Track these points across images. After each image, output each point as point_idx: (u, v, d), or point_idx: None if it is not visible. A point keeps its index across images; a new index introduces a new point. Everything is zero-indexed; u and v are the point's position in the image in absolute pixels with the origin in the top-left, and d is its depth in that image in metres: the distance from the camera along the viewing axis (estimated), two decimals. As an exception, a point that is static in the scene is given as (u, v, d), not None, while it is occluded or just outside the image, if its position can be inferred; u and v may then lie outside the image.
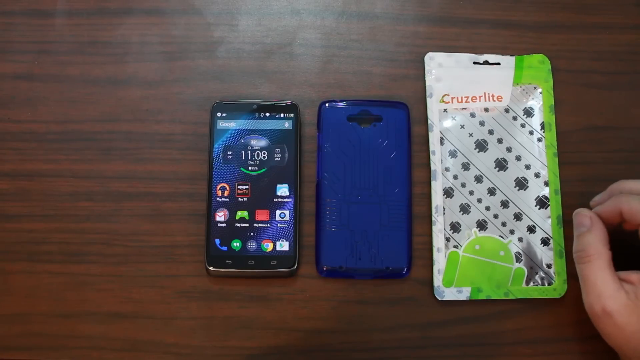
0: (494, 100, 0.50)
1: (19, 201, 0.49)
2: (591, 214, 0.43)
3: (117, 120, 0.50)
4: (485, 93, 0.50)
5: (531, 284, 0.48)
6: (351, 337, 0.47)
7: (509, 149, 0.50)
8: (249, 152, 0.49)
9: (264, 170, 0.49)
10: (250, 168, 0.49)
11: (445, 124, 0.50)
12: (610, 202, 0.43)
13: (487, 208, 0.49)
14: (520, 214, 0.49)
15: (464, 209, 0.49)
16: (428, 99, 0.50)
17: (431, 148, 0.50)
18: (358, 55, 0.52)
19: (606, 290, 0.40)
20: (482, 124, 0.50)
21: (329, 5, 0.53)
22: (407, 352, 0.47)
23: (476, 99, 0.50)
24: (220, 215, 0.48)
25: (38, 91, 0.51)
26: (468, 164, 0.49)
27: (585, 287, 0.42)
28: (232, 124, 0.49)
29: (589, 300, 0.41)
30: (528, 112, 0.50)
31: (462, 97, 0.50)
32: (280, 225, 0.48)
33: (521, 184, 0.49)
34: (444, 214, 0.49)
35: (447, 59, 0.51)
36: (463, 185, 0.49)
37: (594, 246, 0.42)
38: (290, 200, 0.48)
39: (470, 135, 0.50)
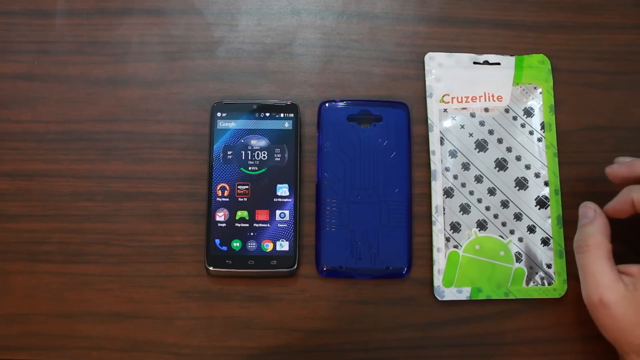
0: (494, 100, 0.50)
1: (19, 201, 0.49)
2: (596, 207, 0.44)
3: (117, 120, 0.50)
4: (485, 93, 0.50)
5: (531, 284, 0.48)
6: (351, 337, 0.47)
7: (509, 149, 0.50)
8: (249, 152, 0.49)
9: (264, 170, 0.49)
10: (250, 168, 0.49)
11: (445, 124, 0.50)
12: (621, 193, 0.43)
13: (487, 208, 0.49)
14: (520, 214, 0.49)
15: (464, 209, 0.49)
16: (428, 99, 0.50)
17: (431, 148, 0.50)
18: (358, 55, 0.52)
19: (604, 280, 0.40)
20: (482, 124, 0.50)
21: (329, 5, 0.53)
22: (407, 352, 0.47)
23: (476, 99, 0.50)
24: (220, 215, 0.48)
25: (38, 91, 0.51)
26: (468, 164, 0.49)
27: (583, 277, 0.42)
28: (232, 124, 0.49)
29: (587, 290, 0.41)
30: (528, 112, 0.50)
31: (462, 97, 0.50)
32: (280, 225, 0.48)
33: (521, 184, 0.49)
34: (444, 214, 0.49)
35: (447, 59, 0.51)
36: (463, 185, 0.49)
37: (594, 237, 0.42)
38: (290, 200, 0.48)
39: (470, 135, 0.50)
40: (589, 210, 0.44)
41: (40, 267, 0.48)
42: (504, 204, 0.49)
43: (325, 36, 0.52)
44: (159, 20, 0.52)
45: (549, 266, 0.48)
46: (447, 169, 0.49)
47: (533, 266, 0.48)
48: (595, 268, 0.41)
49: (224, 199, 0.48)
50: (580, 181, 0.50)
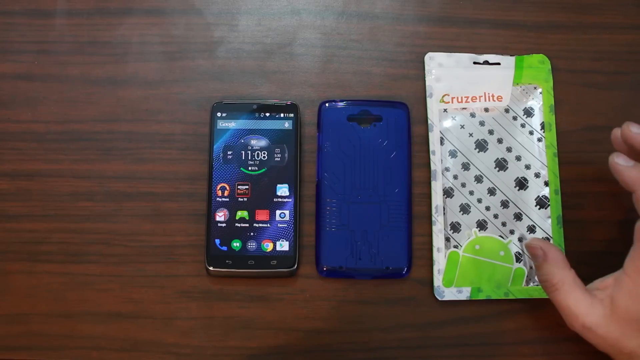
0: (494, 100, 0.50)
1: (19, 201, 0.49)
2: (541, 244, 0.43)
3: (117, 120, 0.50)
4: (485, 93, 0.50)
5: (531, 284, 0.48)
6: (351, 337, 0.47)
7: (509, 149, 0.50)
8: (249, 152, 0.49)
9: (264, 170, 0.49)
10: (250, 168, 0.49)
11: (445, 124, 0.50)
12: (633, 172, 0.40)
13: (487, 208, 0.49)
14: (520, 214, 0.49)
15: (464, 209, 0.49)
16: (428, 99, 0.50)
17: (431, 148, 0.50)
18: (358, 55, 0.52)
19: (580, 309, 0.41)
20: (482, 124, 0.50)
21: (329, 5, 0.53)
22: (407, 352, 0.47)
23: (476, 99, 0.50)
24: (220, 215, 0.48)
25: (38, 91, 0.51)
26: (468, 164, 0.49)
27: (560, 312, 0.42)
28: (232, 124, 0.49)
29: (568, 322, 0.42)
30: (528, 112, 0.50)
31: (462, 97, 0.50)
32: (280, 225, 0.48)
33: (521, 184, 0.49)
34: (444, 214, 0.49)
35: (447, 59, 0.51)
36: (463, 185, 0.49)
37: (555, 274, 0.42)
38: (290, 200, 0.48)
39: (470, 135, 0.50)
40: (536, 250, 0.43)
41: (40, 267, 0.48)
42: (504, 204, 0.49)
43: (325, 36, 0.52)
44: (159, 20, 0.52)
45: (549, 266, 0.48)
46: (447, 169, 0.49)
47: (533, 266, 0.48)
48: (569, 301, 0.41)
49: (224, 199, 0.48)
50: (580, 181, 0.50)
